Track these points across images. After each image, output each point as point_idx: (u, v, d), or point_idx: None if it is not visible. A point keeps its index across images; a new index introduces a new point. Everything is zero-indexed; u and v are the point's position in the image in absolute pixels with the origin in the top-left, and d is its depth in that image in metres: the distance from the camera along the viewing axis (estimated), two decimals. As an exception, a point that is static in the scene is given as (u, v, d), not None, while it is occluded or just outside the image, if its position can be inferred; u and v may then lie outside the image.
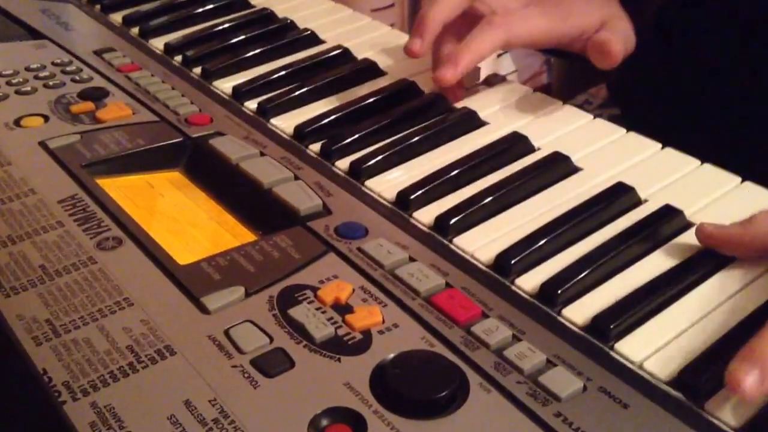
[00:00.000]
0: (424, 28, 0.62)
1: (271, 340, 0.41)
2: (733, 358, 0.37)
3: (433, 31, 0.63)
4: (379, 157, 0.57)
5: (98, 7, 0.85)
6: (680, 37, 0.78)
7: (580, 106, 0.65)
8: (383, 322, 0.42)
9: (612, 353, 0.41)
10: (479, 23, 0.61)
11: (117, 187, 0.55)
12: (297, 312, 0.42)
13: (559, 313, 0.44)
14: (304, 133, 0.61)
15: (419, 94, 0.66)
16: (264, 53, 0.73)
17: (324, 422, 0.36)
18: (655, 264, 0.47)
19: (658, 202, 0.52)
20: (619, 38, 0.61)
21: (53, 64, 0.71)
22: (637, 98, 0.83)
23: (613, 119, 0.62)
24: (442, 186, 0.54)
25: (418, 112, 0.63)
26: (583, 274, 0.46)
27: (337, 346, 0.40)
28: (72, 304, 0.43)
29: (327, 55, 0.73)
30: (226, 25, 0.80)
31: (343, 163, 0.58)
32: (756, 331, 0.41)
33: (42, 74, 0.69)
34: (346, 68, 0.70)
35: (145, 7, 0.85)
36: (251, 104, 0.66)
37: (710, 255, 0.47)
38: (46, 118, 0.62)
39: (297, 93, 0.66)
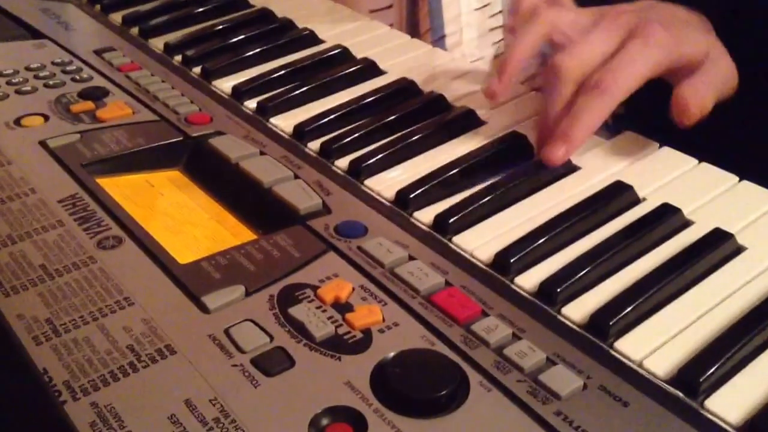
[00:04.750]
0: (504, 70, 0.59)
1: (272, 339, 0.41)
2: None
3: (514, 74, 0.60)
4: (379, 156, 0.57)
5: (98, 6, 0.85)
6: None
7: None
8: (383, 320, 0.42)
9: (612, 351, 0.41)
10: (585, 89, 0.55)
11: (117, 187, 0.55)
12: (297, 311, 0.42)
13: (558, 311, 0.44)
14: (303, 132, 0.61)
15: (419, 93, 0.67)
16: (263, 53, 0.74)
17: (324, 421, 0.36)
18: (654, 262, 0.47)
19: (657, 201, 0.52)
20: (708, 89, 0.56)
21: (53, 63, 0.71)
22: (640, 97, 0.83)
23: (616, 118, 0.62)
24: (441, 185, 0.54)
25: (417, 111, 0.63)
26: (582, 273, 0.46)
27: (338, 345, 0.40)
28: (72, 303, 0.43)
29: (326, 55, 0.73)
30: (226, 25, 0.80)
31: (342, 162, 0.58)
32: (755, 330, 0.41)
33: (42, 74, 0.69)
34: (345, 67, 0.70)
35: (145, 6, 0.85)
36: (251, 103, 0.66)
37: (709, 253, 0.47)
38: (46, 118, 0.62)
39: (296, 92, 0.66)
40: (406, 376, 0.38)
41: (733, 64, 0.59)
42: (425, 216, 0.52)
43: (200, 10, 0.83)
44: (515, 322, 0.42)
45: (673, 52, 0.56)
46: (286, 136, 0.62)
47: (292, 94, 0.66)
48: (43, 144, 0.58)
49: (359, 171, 0.56)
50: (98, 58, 0.73)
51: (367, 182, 0.56)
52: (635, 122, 0.62)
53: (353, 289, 0.44)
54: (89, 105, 0.64)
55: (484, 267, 0.47)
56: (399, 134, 0.60)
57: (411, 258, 0.47)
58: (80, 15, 0.83)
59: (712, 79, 0.57)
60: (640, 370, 0.40)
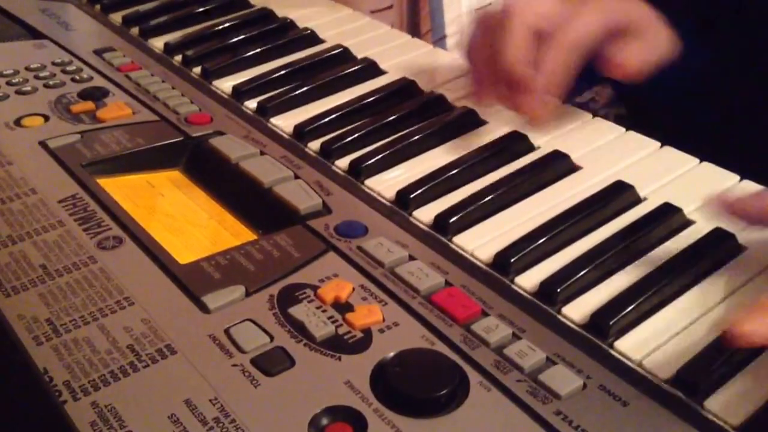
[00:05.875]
0: (525, 82, 0.59)
1: (272, 339, 0.41)
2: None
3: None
4: (379, 156, 0.57)
5: (98, 6, 0.85)
6: (684, 36, 0.77)
7: (585, 105, 0.65)
8: (383, 320, 0.42)
9: (611, 351, 0.41)
10: (543, 42, 0.57)
11: (117, 187, 0.55)
12: (297, 311, 0.42)
13: (558, 311, 0.44)
14: (303, 132, 0.61)
15: (419, 93, 0.66)
16: (264, 53, 0.74)
17: (324, 421, 0.36)
18: (655, 262, 0.47)
19: (657, 201, 0.52)
20: (641, 53, 0.59)
21: (53, 63, 0.71)
22: (642, 97, 0.83)
23: (618, 119, 0.62)
24: (441, 185, 0.54)
25: (417, 111, 0.63)
26: (582, 273, 0.46)
27: (338, 345, 0.40)
28: (72, 303, 0.43)
29: (327, 55, 0.73)
30: (226, 25, 0.80)
31: (342, 162, 0.58)
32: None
33: (42, 74, 0.69)
34: (345, 67, 0.70)
35: (144, 6, 0.85)
36: (251, 103, 0.66)
37: (709, 253, 0.47)
38: (47, 118, 0.62)
39: (297, 92, 0.66)
40: (406, 376, 0.38)
41: (672, 37, 0.62)
42: (425, 216, 0.52)
43: (200, 10, 0.83)
44: (515, 322, 0.42)
45: (621, 15, 0.59)
46: (287, 136, 0.62)
47: (292, 94, 0.66)
48: (43, 144, 0.58)
49: (359, 171, 0.56)
50: (98, 58, 0.73)
51: (368, 182, 0.56)
52: (637, 122, 0.62)
53: (353, 289, 0.44)
54: (89, 105, 0.64)
55: (484, 267, 0.47)
56: (399, 134, 0.60)
57: (411, 258, 0.47)
58: (80, 15, 0.83)
59: (649, 45, 0.60)
60: (640, 370, 0.40)
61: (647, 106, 0.82)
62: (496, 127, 0.61)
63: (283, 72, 0.70)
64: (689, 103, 0.76)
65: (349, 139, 0.60)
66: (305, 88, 0.67)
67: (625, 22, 0.60)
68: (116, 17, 0.83)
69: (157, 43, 0.77)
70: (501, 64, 0.58)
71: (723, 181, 0.54)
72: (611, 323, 0.42)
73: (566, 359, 0.40)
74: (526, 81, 0.57)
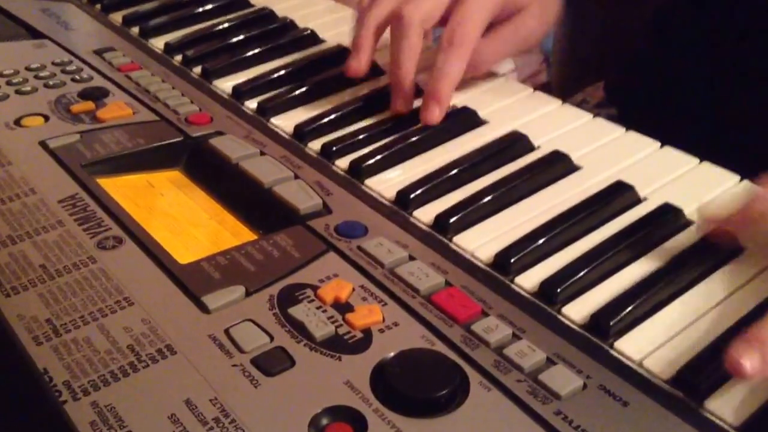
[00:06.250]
0: (359, 47, 0.64)
1: (272, 339, 0.41)
2: (734, 341, 0.38)
3: (370, 47, 0.64)
4: (379, 156, 0.57)
5: (98, 6, 0.85)
6: (677, 37, 0.78)
7: (577, 106, 0.65)
8: (383, 320, 0.42)
9: (612, 351, 0.42)
10: (441, 47, 0.61)
11: (117, 187, 0.55)
12: (297, 311, 0.42)
13: (558, 311, 0.44)
14: (304, 132, 0.61)
15: (419, 93, 0.66)
16: (264, 53, 0.74)
17: (324, 421, 0.36)
18: (655, 262, 0.47)
19: (658, 201, 0.52)
20: (498, 47, 0.64)
21: (53, 63, 0.71)
22: (633, 98, 0.84)
23: (610, 119, 0.62)
24: (441, 185, 0.54)
25: (417, 111, 0.63)
26: (582, 273, 0.46)
27: (338, 345, 0.40)
28: (72, 303, 0.43)
29: (327, 55, 0.73)
30: (226, 25, 0.80)
31: (342, 162, 0.58)
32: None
33: (42, 74, 0.69)
34: (346, 67, 0.70)
35: (145, 6, 0.85)
36: (251, 104, 0.66)
37: (709, 253, 0.47)
38: (47, 118, 0.62)
39: (297, 92, 0.66)
40: (406, 376, 0.38)
41: (544, 19, 0.66)
42: (425, 216, 0.52)
43: (200, 10, 0.83)
44: (515, 322, 0.42)
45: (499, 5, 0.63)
46: (287, 137, 0.62)
47: (293, 94, 0.66)
48: (43, 144, 0.58)
49: (360, 171, 0.56)
50: (98, 58, 0.73)
51: (368, 182, 0.56)
52: (633, 123, 0.62)
53: (353, 289, 0.44)
54: (89, 105, 0.64)
55: (484, 267, 0.47)
56: (399, 134, 0.60)
57: (411, 258, 0.47)
58: (80, 15, 0.83)
59: (510, 36, 0.64)
60: (640, 370, 0.40)
61: (637, 107, 0.82)
62: (496, 127, 0.61)
63: (283, 72, 0.70)
64: (685, 102, 0.76)
65: (350, 139, 0.60)
66: (305, 88, 0.67)
67: (512, 6, 0.64)
68: (116, 17, 0.83)
69: (157, 43, 0.77)
70: (398, 67, 0.62)
71: (723, 181, 0.54)
72: (611, 323, 0.42)
73: (566, 359, 0.40)
74: (407, 91, 0.62)
